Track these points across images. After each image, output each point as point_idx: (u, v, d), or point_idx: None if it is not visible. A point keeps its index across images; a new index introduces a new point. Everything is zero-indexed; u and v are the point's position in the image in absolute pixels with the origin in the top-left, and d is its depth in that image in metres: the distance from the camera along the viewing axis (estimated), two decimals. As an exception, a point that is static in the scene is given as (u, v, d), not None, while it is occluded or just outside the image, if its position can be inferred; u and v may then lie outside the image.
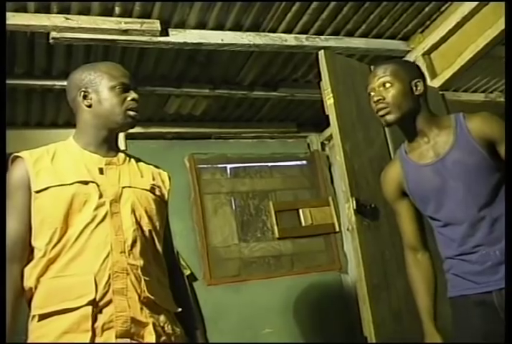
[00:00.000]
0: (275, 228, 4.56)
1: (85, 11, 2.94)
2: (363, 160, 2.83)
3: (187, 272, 4.13)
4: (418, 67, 2.09)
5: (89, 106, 1.74)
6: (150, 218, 1.70)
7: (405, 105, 1.89)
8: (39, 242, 1.59)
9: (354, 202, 2.65)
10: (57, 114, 4.04)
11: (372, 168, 2.80)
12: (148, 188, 1.75)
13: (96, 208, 1.61)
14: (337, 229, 4.67)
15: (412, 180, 1.95)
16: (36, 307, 1.55)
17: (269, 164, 4.80)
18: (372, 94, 1.95)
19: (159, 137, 4.53)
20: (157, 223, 1.72)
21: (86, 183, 1.64)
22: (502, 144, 1.80)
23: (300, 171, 4.89)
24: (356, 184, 2.72)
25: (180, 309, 1.70)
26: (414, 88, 1.93)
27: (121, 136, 4.25)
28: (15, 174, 1.65)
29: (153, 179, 1.81)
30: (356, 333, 4.22)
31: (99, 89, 1.74)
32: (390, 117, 1.90)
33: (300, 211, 4.65)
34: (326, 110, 2.88)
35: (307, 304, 4.43)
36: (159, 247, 1.72)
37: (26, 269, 1.60)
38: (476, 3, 3.10)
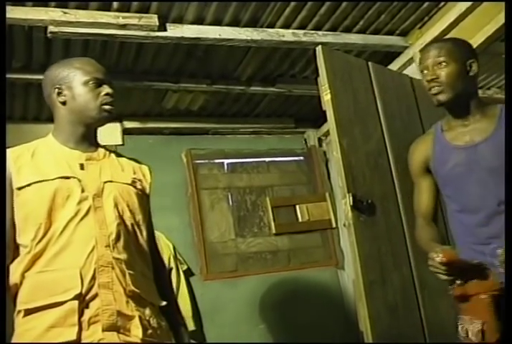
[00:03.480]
0: (272, 223, 4.57)
1: (83, 6, 2.93)
2: (360, 155, 2.83)
3: (184, 267, 4.13)
4: (472, 47, 2.05)
5: (64, 103, 1.74)
6: (132, 212, 1.70)
7: (459, 85, 1.87)
8: (23, 239, 1.60)
9: (351, 198, 2.65)
10: (55, 108, 4.04)
11: (369, 163, 2.81)
12: (130, 182, 1.75)
13: (79, 203, 1.61)
14: (334, 225, 4.68)
15: (439, 159, 1.94)
16: (22, 302, 1.55)
17: (267, 159, 4.80)
18: (425, 72, 1.93)
19: (156, 132, 4.53)
20: (139, 217, 1.73)
21: (68, 178, 1.64)
22: None
23: (297, 167, 4.90)
24: (352, 180, 2.72)
25: (164, 303, 1.71)
26: (469, 68, 1.91)
27: (118, 131, 4.30)
28: None
29: (134, 173, 1.81)
30: (353, 328, 4.25)
31: (72, 85, 1.73)
32: (443, 97, 1.88)
33: (297, 206, 4.67)
34: (323, 106, 2.87)
35: (304, 299, 4.44)
36: (142, 241, 1.72)
37: (12, 266, 1.59)
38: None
